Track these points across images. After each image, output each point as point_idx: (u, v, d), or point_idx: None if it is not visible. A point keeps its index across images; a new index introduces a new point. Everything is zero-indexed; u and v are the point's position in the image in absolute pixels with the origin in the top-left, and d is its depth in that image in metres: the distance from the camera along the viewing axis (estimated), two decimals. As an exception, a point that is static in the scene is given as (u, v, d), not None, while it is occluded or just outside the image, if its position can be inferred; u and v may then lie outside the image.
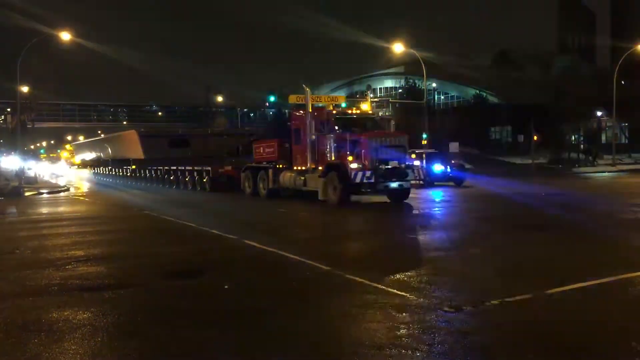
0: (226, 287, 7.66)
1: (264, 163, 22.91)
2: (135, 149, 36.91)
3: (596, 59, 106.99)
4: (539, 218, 14.80)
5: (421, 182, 21.89)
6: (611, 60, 71.20)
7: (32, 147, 46.65)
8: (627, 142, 62.71)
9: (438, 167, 27.58)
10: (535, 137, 47.47)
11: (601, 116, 56.20)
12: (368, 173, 17.59)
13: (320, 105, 25.25)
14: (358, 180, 17.59)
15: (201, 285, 7.87)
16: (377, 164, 17.85)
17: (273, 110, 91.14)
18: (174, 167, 32.09)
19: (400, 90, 72.60)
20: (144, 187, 34.41)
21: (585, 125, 57.34)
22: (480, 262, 9.07)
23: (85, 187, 38.33)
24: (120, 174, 43.43)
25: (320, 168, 19.06)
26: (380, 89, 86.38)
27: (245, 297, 7.14)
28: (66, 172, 58.87)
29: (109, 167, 46.93)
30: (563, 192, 23.43)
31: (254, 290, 7.47)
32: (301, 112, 20.91)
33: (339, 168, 18.11)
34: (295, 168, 20.71)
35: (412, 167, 18.58)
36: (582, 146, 55.40)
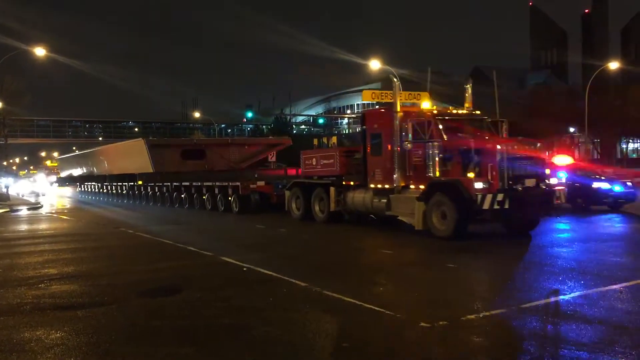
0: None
1: (315, 177, 18.51)
2: (141, 162, 31.43)
3: (568, 76, 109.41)
4: None
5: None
6: (583, 77, 72.87)
7: (4, 163, 45.29)
8: (599, 158, 64.03)
9: (601, 185, 18.99)
10: (510, 153, 48.06)
11: (574, 132, 57.32)
12: (500, 196, 12.48)
13: (408, 103, 19.12)
14: (486, 206, 12.45)
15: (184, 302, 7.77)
16: (510, 183, 12.87)
17: (251, 125, 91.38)
18: (187, 183, 27.41)
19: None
20: (150, 207, 30.09)
21: (558, 141, 58.41)
22: None
23: (64, 204, 37.71)
24: (117, 192, 38.26)
25: (413, 187, 14.56)
26: (357, 105, 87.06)
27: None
28: (47, 190, 56.89)
29: (105, 184, 41.12)
30: None
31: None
32: (384, 111, 16.76)
33: (455, 188, 12.99)
34: (371, 186, 15.90)
35: (554, 186, 13.87)
36: None
